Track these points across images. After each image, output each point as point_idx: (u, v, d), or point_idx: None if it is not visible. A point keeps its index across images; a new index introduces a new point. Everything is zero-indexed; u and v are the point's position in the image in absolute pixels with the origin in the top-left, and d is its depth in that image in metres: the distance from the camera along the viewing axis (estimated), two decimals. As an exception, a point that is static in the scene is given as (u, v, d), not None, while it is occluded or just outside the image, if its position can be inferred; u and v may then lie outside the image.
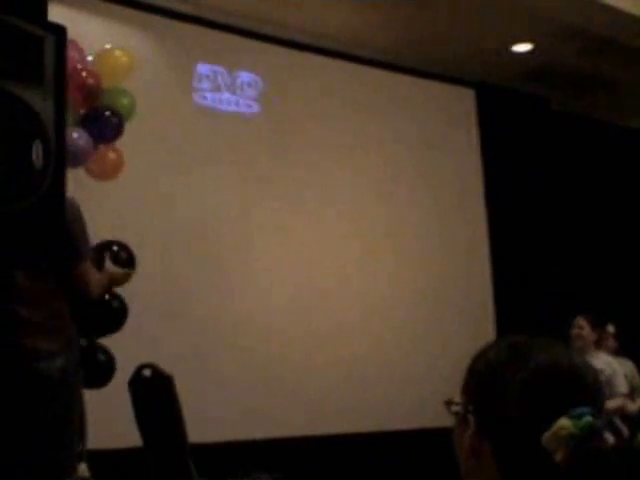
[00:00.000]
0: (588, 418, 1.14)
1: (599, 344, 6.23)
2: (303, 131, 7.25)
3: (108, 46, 5.03)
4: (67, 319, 3.63)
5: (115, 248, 4.82)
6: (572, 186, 8.73)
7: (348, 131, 7.48)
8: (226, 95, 6.93)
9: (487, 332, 7.86)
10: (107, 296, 4.41)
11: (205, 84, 6.83)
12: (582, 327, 6.21)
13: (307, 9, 6.86)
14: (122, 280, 4.22)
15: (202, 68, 6.82)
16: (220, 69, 6.90)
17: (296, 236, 7.06)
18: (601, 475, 1.13)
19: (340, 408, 6.90)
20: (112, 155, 4.89)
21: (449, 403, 1.34)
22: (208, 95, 6.85)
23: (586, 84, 8.60)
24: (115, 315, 4.55)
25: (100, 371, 4.36)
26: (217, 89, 6.88)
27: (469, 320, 7.83)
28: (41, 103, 2.77)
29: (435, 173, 7.98)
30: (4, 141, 2.68)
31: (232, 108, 6.95)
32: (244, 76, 7.04)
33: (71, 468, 3.64)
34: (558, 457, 1.13)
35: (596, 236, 8.75)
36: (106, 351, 4.37)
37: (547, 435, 1.14)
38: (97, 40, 6.10)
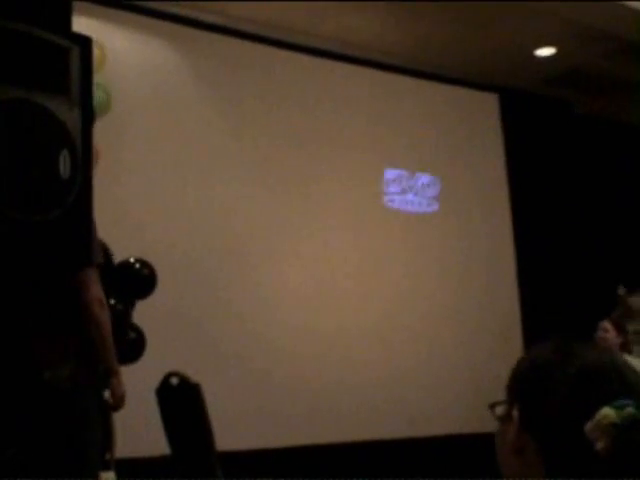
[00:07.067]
0: (630, 409, 1.16)
1: (625, 347, 6.22)
2: (322, 136, 7.25)
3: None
4: (79, 330, 3.59)
5: (137, 266, 4.93)
6: (597, 190, 8.68)
7: (369, 138, 7.47)
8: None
9: (514, 339, 7.84)
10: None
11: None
12: (607, 330, 6.21)
13: (327, 16, 6.86)
14: None
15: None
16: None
17: (319, 244, 7.07)
18: None
19: (367, 416, 6.89)
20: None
21: (493, 405, 1.37)
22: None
23: (610, 87, 8.55)
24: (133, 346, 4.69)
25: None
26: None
27: (495, 328, 7.80)
28: (67, 113, 2.78)
29: (459, 177, 7.96)
30: (31, 152, 2.70)
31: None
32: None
33: (92, 476, 3.63)
34: (599, 446, 1.15)
35: (622, 240, 8.69)
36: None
37: (590, 424, 1.17)
38: (123, 52, 6.16)
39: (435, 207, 7.71)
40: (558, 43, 7.56)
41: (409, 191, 7.58)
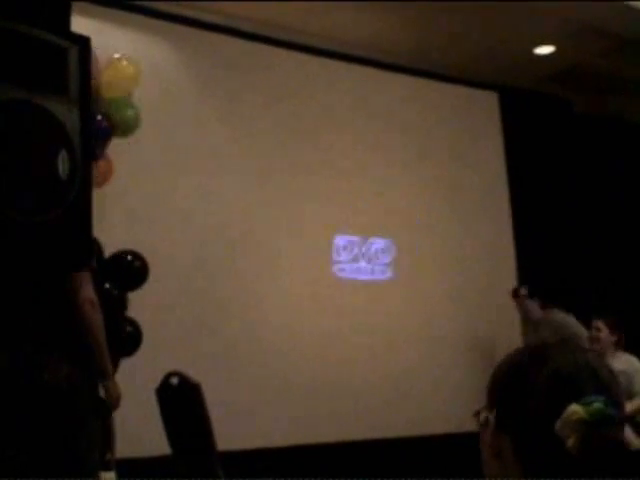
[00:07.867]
0: (599, 405, 1.16)
1: (619, 345, 6.20)
2: (323, 136, 7.24)
3: (116, 55, 5.11)
4: (76, 330, 3.59)
5: (129, 258, 4.95)
6: (597, 188, 8.67)
7: (369, 138, 7.46)
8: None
9: (514, 341, 7.83)
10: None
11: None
12: (600, 329, 6.20)
13: (326, 15, 6.85)
14: None
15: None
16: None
17: (317, 244, 7.07)
18: (610, 462, 1.15)
19: (367, 415, 6.89)
20: (102, 163, 5.04)
21: (478, 413, 1.38)
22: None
23: (609, 86, 8.54)
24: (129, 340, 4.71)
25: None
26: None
27: (495, 329, 7.79)
28: (66, 114, 2.78)
29: (459, 176, 7.95)
30: (30, 152, 2.69)
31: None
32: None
33: (93, 476, 3.62)
34: (569, 443, 1.15)
35: (622, 239, 8.68)
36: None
37: (559, 422, 1.18)
38: (123, 52, 6.14)
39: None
40: (557, 41, 7.55)
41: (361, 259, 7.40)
